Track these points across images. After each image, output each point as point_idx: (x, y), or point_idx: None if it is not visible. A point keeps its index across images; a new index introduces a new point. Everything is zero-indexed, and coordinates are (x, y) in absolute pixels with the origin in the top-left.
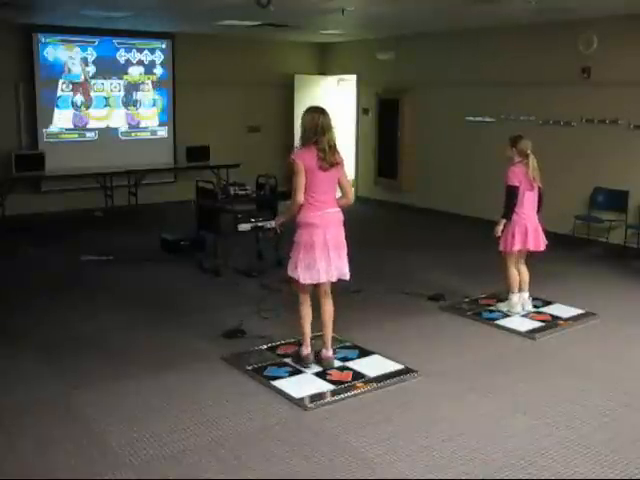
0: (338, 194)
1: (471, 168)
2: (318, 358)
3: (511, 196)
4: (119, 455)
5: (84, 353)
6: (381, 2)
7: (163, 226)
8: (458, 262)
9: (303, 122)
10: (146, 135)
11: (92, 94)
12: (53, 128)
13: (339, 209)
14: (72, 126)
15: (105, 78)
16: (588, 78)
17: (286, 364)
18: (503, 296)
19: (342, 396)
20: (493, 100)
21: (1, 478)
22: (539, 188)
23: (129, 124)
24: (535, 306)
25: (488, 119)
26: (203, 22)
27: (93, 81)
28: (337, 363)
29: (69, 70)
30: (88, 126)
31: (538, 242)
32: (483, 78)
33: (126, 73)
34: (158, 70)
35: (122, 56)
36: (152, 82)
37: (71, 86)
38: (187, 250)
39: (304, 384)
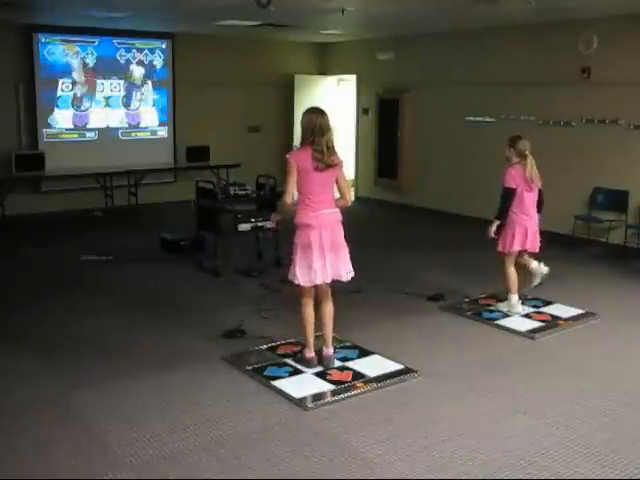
0: (337, 195)
1: (471, 168)
2: (319, 357)
3: (506, 197)
4: (119, 455)
5: (84, 353)
6: (381, 2)
7: (163, 226)
8: (458, 262)
9: (302, 123)
10: (146, 135)
11: (93, 94)
12: (54, 117)
13: (337, 210)
14: (72, 126)
15: (105, 78)
16: (588, 78)
17: (286, 364)
18: (503, 296)
19: (342, 396)
20: (493, 100)
21: (1, 478)
22: (539, 189)
23: (129, 124)
24: (535, 306)
25: (488, 119)
26: (203, 22)
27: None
28: (337, 363)
29: (69, 70)
30: (88, 126)
31: (534, 243)
32: (483, 78)
33: (126, 73)
34: (158, 70)
35: (122, 56)
36: (152, 82)
37: (71, 86)
38: (187, 250)
39: (304, 384)
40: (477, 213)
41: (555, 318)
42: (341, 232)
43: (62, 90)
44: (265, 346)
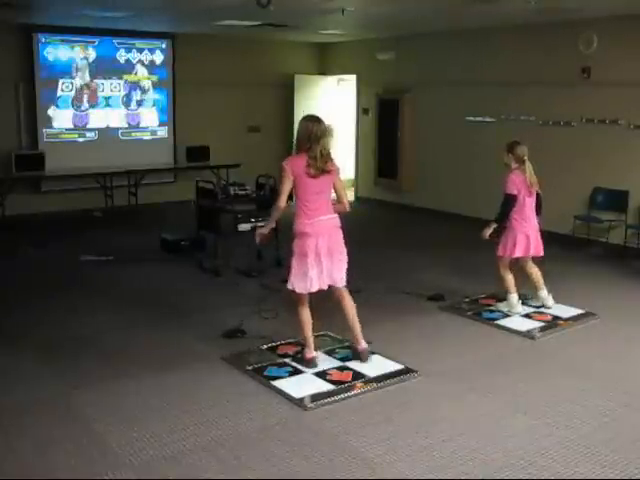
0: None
1: (471, 168)
2: (355, 354)
3: (508, 203)
4: (119, 455)
5: (84, 353)
6: (381, 2)
7: (163, 226)
8: (458, 262)
9: (298, 130)
10: (146, 135)
11: (93, 94)
12: (54, 108)
13: (335, 215)
14: (72, 126)
15: (105, 78)
16: (588, 78)
17: (286, 364)
18: (503, 296)
19: (342, 396)
20: (493, 100)
21: (1, 478)
22: (537, 193)
23: (129, 124)
24: (535, 306)
25: (488, 119)
26: (203, 22)
27: (93, 81)
28: (337, 363)
29: (69, 70)
30: (88, 126)
31: (538, 248)
32: (483, 78)
33: (126, 73)
34: (158, 70)
35: (122, 56)
36: (152, 82)
37: (71, 86)
38: (187, 250)
39: (304, 384)
40: (477, 213)
41: (555, 318)
42: (339, 238)
43: (62, 90)
44: (265, 346)
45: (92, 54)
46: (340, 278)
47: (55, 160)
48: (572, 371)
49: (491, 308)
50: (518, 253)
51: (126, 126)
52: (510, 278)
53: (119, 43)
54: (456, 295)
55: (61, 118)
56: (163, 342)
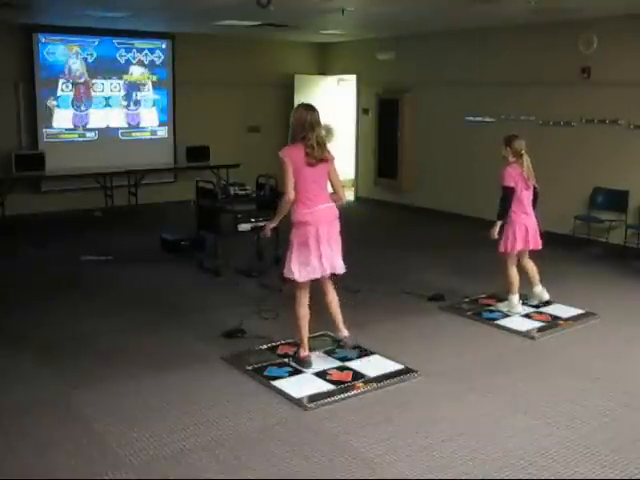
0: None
1: (471, 168)
2: (339, 343)
3: (506, 197)
4: (119, 455)
5: (84, 353)
6: (381, 2)
7: (163, 226)
8: (458, 262)
9: (291, 119)
10: (146, 135)
11: (92, 94)
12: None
13: (333, 204)
14: (72, 126)
15: (105, 78)
16: (588, 78)
17: (286, 364)
18: (503, 296)
19: (342, 396)
20: (493, 100)
21: (1, 478)
22: (534, 187)
23: (129, 124)
24: (535, 306)
25: (488, 119)
26: (203, 22)
27: (93, 81)
28: (337, 363)
29: (69, 70)
30: (88, 126)
31: (537, 241)
32: (483, 78)
33: (126, 73)
34: (158, 70)
35: (122, 56)
36: (152, 82)
37: (71, 86)
38: (187, 250)
39: (304, 384)
40: (477, 213)
41: (555, 318)
42: (337, 229)
43: (62, 90)
44: (265, 346)
45: (92, 54)
46: (340, 265)
47: (55, 160)
48: (572, 371)
49: (491, 308)
50: (519, 246)
51: (126, 126)
52: (515, 276)
53: (119, 43)
54: (456, 295)
55: (61, 118)
56: (163, 342)
